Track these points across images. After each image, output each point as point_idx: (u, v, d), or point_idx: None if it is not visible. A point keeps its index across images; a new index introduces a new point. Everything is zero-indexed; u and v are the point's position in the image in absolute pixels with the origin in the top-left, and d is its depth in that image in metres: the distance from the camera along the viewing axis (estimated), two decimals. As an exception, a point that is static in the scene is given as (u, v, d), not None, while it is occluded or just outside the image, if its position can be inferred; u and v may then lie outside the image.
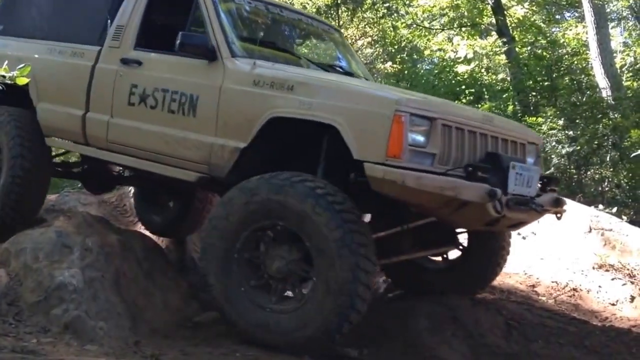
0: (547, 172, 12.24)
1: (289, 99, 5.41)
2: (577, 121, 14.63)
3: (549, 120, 14.55)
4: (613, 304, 7.86)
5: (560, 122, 14.56)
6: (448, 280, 6.81)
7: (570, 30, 19.75)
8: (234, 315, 5.37)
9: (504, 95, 17.09)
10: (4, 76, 4.89)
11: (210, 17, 6.06)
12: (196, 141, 5.86)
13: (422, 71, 22.57)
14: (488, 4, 19.65)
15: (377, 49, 23.80)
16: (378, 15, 23.61)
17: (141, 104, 6.24)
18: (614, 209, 11.75)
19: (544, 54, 17.25)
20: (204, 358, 5.19)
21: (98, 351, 5.09)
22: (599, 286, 8.12)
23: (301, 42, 7.53)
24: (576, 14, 23.39)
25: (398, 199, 5.23)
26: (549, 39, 18.62)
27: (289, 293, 5.39)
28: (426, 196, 5.01)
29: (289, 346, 5.19)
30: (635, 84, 17.21)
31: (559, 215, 6.13)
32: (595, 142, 14.19)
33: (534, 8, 22.22)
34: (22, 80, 4.85)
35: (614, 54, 17.77)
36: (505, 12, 19.72)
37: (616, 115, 14.23)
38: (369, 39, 23.36)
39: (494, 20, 19.71)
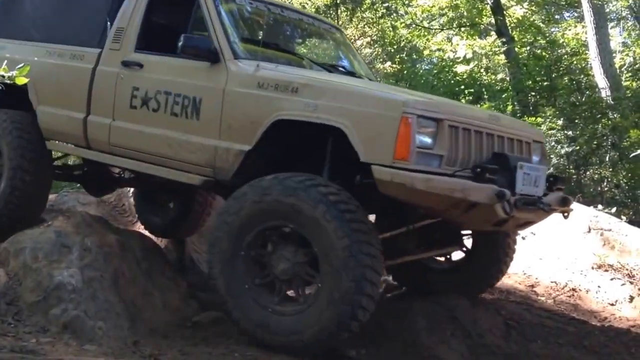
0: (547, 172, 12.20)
1: (294, 101, 5.36)
2: (577, 121, 14.63)
3: (548, 120, 14.54)
4: (612, 304, 7.86)
5: (560, 122, 14.56)
6: (452, 280, 6.81)
7: (570, 30, 19.74)
8: (236, 311, 5.37)
9: (503, 95, 17.08)
10: (2, 76, 4.88)
11: (212, 19, 6.02)
12: (200, 144, 5.82)
13: (421, 71, 22.57)
14: (487, 4, 19.65)
15: (376, 48, 23.82)
16: (377, 15, 23.64)
17: (143, 107, 6.19)
18: (613, 209, 11.75)
19: (543, 54, 17.24)
20: (202, 358, 5.19)
21: (97, 351, 5.09)
22: (598, 286, 8.12)
23: (303, 42, 7.51)
24: (575, 14, 23.38)
25: (406, 201, 5.21)
26: (548, 39, 18.61)
27: (291, 292, 5.38)
28: (435, 198, 4.98)
29: (286, 348, 5.20)
30: (634, 84, 17.20)
31: (566, 214, 6.11)
32: (595, 142, 14.18)
33: (533, 8, 22.22)
34: (21, 80, 4.84)
35: (613, 54, 17.76)
36: (505, 12, 19.72)
37: (615, 115, 14.22)
38: (368, 38, 23.39)
39: (493, 20, 19.70)
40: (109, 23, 6.70)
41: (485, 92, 17.93)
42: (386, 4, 23.29)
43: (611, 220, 9.30)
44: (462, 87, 17.76)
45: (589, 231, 8.93)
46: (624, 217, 10.99)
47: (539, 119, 14.64)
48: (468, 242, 6.83)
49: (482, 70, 19.98)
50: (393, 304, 6.81)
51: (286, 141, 5.58)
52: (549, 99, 16.13)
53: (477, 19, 21.04)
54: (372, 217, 5.79)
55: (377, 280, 5.03)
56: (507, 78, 19.43)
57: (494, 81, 20.01)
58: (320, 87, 5.45)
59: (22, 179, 6.85)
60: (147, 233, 8.27)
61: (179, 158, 5.97)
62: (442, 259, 7.02)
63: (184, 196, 8.28)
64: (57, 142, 7.05)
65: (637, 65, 18.19)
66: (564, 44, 18.47)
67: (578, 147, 14.01)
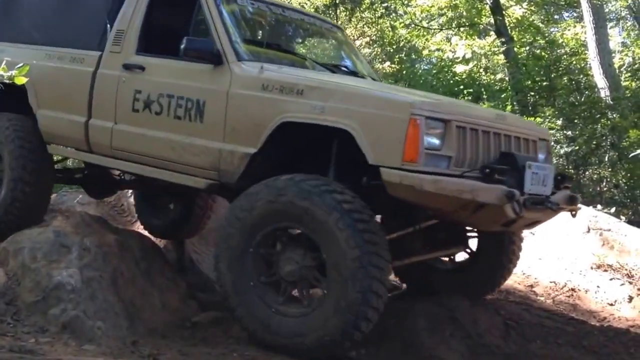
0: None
1: (300, 103, 5.32)
2: (576, 121, 14.64)
3: (547, 120, 14.54)
4: (611, 304, 7.87)
5: (559, 122, 14.57)
6: (458, 281, 6.79)
7: (569, 30, 19.73)
8: (239, 307, 5.36)
9: (503, 95, 17.07)
10: (2, 76, 4.88)
11: (214, 20, 5.97)
12: (204, 147, 5.78)
13: (420, 71, 22.55)
14: (486, 4, 19.65)
15: (376, 48, 23.83)
16: (376, 15, 23.63)
17: (146, 110, 6.14)
18: (613, 209, 11.77)
19: (543, 54, 17.23)
20: (202, 358, 5.19)
21: (96, 351, 5.09)
22: (597, 286, 8.12)
23: (304, 42, 7.47)
24: (575, 14, 23.38)
25: (415, 203, 5.18)
26: (547, 39, 18.60)
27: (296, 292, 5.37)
28: (444, 200, 4.96)
29: (287, 350, 5.19)
30: (633, 84, 17.21)
31: (573, 212, 6.10)
32: (594, 142, 14.19)
33: (532, 8, 22.24)
34: (20, 80, 4.84)
35: (613, 54, 17.78)
36: (504, 12, 19.72)
37: (615, 115, 14.23)
38: (367, 38, 23.40)
39: (492, 20, 19.71)
40: (108, 25, 6.64)
41: (484, 92, 17.92)
42: (385, 4, 23.28)
43: (610, 220, 9.31)
44: (461, 87, 17.75)
45: (588, 231, 8.93)
46: (623, 217, 11.01)
47: (538, 119, 14.63)
48: (473, 243, 6.81)
49: (481, 70, 19.97)
50: (393, 304, 6.77)
51: (291, 143, 5.54)
52: (548, 99, 16.14)
53: (476, 19, 21.05)
54: (377, 218, 5.76)
55: (383, 293, 5.00)
56: (507, 78, 19.43)
57: (493, 81, 20.00)
58: (327, 89, 5.39)
59: (22, 190, 6.81)
60: (146, 233, 8.27)
61: (183, 161, 5.93)
62: (447, 259, 6.99)
63: (185, 198, 8.24)
64: (58, 146, 7.01)
65: (636, 65, 18.21)
66: (563, 44, 18.47)
67: (577, 147, 14.02)
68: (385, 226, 5.39)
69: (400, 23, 23.11)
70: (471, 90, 17.41)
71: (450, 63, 19.21)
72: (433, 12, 21.83)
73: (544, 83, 16.20)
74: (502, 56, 19.13)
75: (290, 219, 5.16)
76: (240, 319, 5.38)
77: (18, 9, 7.62)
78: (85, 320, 5.39)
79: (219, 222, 8.58)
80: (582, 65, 17.29)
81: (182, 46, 5.70)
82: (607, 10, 21.94)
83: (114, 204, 9.85)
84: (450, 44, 20.01)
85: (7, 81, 4.99)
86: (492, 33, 20.04)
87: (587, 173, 14.79)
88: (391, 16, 24.07)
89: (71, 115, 6.70)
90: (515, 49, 18.38)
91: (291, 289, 5.32)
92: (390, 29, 23.70)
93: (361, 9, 23.35)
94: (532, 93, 16.71)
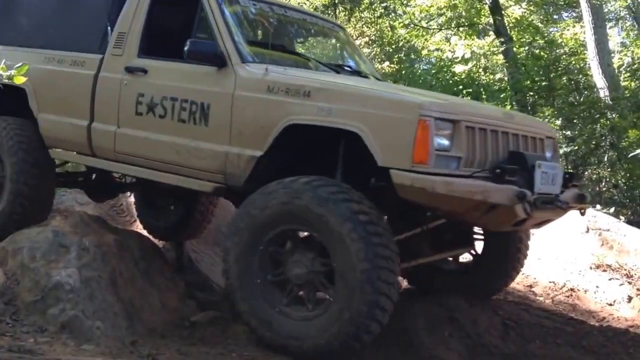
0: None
1: (307, 105, 5.27)
2: (575, 121, 14.64)
3: (546, 120, 14.53)
4: (610, 304, 7.87)
5: (558, 122, 14.57)
6: (464, 282, 6.78)
7: (568, 30, 19.71)
8: (243, 302, 5.34)
9: (502, 95, 17.06)
10: (0, 75, 4.87)
11: (217, 22, 5.92)
12: (210, 150, 5.73)
13: (419, 71, 22.54)
14: (486, 3, 19.64)
15: (375, 48, 23.81)
16: (375, 15, 23.64)
17: (149, 113, 6.09)
18: (612, 209, 11.78)
19: (542, 53, 17.22)
20: (200, 358, 5.19)
21: (95, 351, 5.09)
22: (597, 286, 8.13)
23: (307, 42, 7.44)
24: (574, 14, 23.37)
25: (426, 205, 5.17)
26: (546, 39, 18.59)
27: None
28: (455, 201, 4.93)
29: (285, 350, 5.20)
30: (632, 84, 17.20)
31: (582, 211, 6.07)
32: (593, 142, 14.18)
33: (531, 8, 22.22)
34: (19, 80, 4.84)
35: (612, 54, 17.78)
36: (503, 12, 19.71)
37: (614, 116, 14.22)
38: (367, 38, 23.38)
39: (491, 20, 19.70)
40: (109, 28, 6.58)
41: (483, 92, 17.90)
42: (384, 4, 23.30)
43: (609, 220, 9.31)
44: (461, 87, 17.75)
45: (588, 231, 8.94)
46: (622, 217, 11.02)
47: (538, 119, 14.62)
48: (479, 243, 6.81)
49: (480, 70, 19.95)
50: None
51: (298, 145, 5.51)
52: (548, 99, 16.13)
53: (475, 19, 21.04)
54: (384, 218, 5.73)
55: (389, 308, 4.98)
56: (506, 78, 19.41)
57: (492, 81, 19.98)
58: (334, 90, 5.35)
59: (24, 195, 6.75)
60: (145, 233, 8.26)
61: (188, 165, 5.88)
62: (451, 260, 6.98)
63: (186, 200, 8.20)
64: (60, 150, 6.94)
65: (635, 65, 18.20)
66: (563, 44, 18.46)
67: (576, 147, 14.01)
68: (392, 227, 5.31)
69: (399, 23, 23.11)
70: (470, 90, 17.40)
71: (449, 63, 19.20)
72: (432, 12, 21.82)
73: (543, 83, 16.19)
74: (501, 56, 19.12)
75: (303, 222, 5.12)
76: (242, 314, 5.37)
77: (16, 12, 7.55)
78: (84, 320, 5.39)
79: (217, 223, 8.62)
80: (582, 65, 17.29)
81: (186, 49, 5.63)
82: (606, 10, 21.97)
83: (113, 204, 9.83)
84: (450, 43, 20.00)
85: (6, 80, 4.98)
86: (491, 33, 20.03)
87: (586, 173, 14.77)
88: (390, 16, 24.08)
89: (73, 119, 6.65)
90: (515, 49, 18.36)
91: (297, 291, 5.28)
92: (389, 28, 23.69)
93: (360, 8, 23.37)
94: (531, 93, 16.70)
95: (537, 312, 7.08)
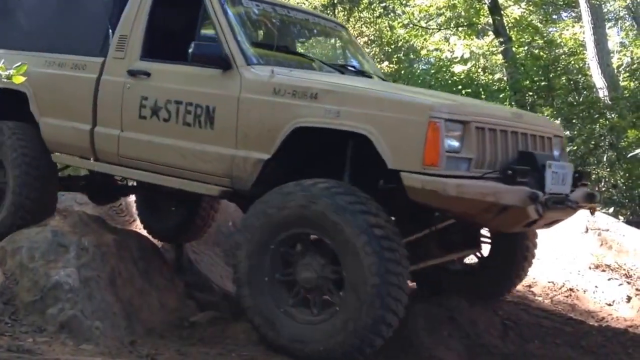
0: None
1: (314, 107, 5.23)
2: (574, 121, 14.64)
3: (545, 120, 14.53)
4: (609, 304, 7.87)
5: (557, 122, 14.55)
6: (470, 283, 6.76)
7: (567, 30, 19.73)
8: (249, 298, 5.30)
9: (501, 95, 17.05)
10: (-1, 74, 4.87)
11: (221, 24, 5.85)
12: (216, 154, 5.67)
13: (418, 71, 22.53)
14: (485, 3, 19.64)
15: (374, 48, 23.78)
16: (374, 14, 23.63)
17: (153, 117, 6.03)
18: (611, 209, 11.78)
19: (541, 53, 17.24)
20: (200, 358, 5.19)
21: (94, 351, 5.10)
22: (596, 286, 8.12)
23: (310, 42, 7.39)
24: (573, 14, 23.39)
25: (437, 207, 5.16)
26: (545, 39, 18.62)
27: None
28: (467, 203, 4.90)
29: (284, 351, 5.19)
30: (632, 84, 17.21)
31: (592, 210, 6.06)
32: (592, 142, 14.19)
33: (531, 8, 22.22)
34: (18, 79, 4.83)
35: (611, 54, 17.79)
36: (502, 12, 19.71)
37: (613, 116, 14.23)
38: (366, 38, 23.37)
39: (490, 20, 19.70)
40: (110, 30, 6.52)
41: (482, 92, 17.89)
42: (383, 4, 23.28)
43: (609, 220, 9.31)
44: (460, 87, 17.75)
45: (587, 231, 8.93)
46: (621, 217, 11.03)
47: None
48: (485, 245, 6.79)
49: (479, 70, 19.95)
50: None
51: (304, 148, 5.45)
52: (547, 99, 16.14)
53: (474, 19, 21.04)
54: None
55: (395, 324, 4.97)
56: (505, 78, 19.41)
57: (491, 81, 19.97)
58: (342, 92, 5.28)
59: (27, 199, 6.70)
60: (144, 233, 8.25)
61: (194, 168, 5.83)
62: (456, 260, 6.94)
63: (188, 203, 8.15)
64: (63, 154, 6.88)
65: (634, 65, 18.21)
66: (562, 44, 18.48)
67: (575, 147, 14.01)
68: (400, 229, 5.23)
69: (398, 23, 23.11)
70: (469, 90, 17.40)
71: (448, 63, 19.19)
72: (431, 12, 21.82)
73: (543, 83, 16.20)
74: (500, 56, 19.12)
75: (318, 228, 5.06)
76: (247, 309, 5.34)
77: (14, 15, 7.45)
78: (83, 320, 5.40)
79: (217, 224, 8.61)
80: (581, 65, 17.30)
81: (190, 51, 5.60)
82: (605, 10, 21.99)
83: (112, 204, 9.82)
84: (449, 43, 19.99)
85: (6, 80, 4.97)
86: (490, 33, 20.03)
87: (585, 173, 14.76)
88: (389, 16, 24.07)
89: (75, 123, 6.58)
90: (514, 48, 18.36)
91: (304, 293, 5.24)
92: (388, 28, 23.68)
93: (359, 8, 23.35)
94: (531, 93, 16.70)
95: (536, 312, 7.08)
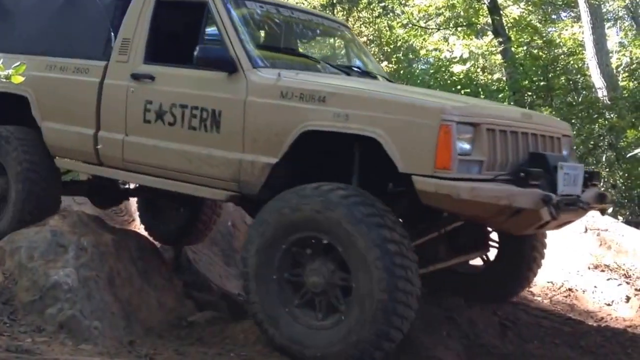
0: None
1: (322, 111, 5.16)
2: (573, 121, 14.62)
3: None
4: (608, 304, 7.87)
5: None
6: (480, 285, 6.73)
7: (566, 30, 19.72)
8: (254, 294, 5.26)
9: (500, 95, 17.03)
10: (-1, 74, 4.87)
11: (226, 27, 5.80)
12: (223, 158, 5.62)
13: (417, 71, 22.52)
14: (484, 3, 19.65)
15: (373, 48, 23.78)
16: (374, 14, 23.63)
17: (158, 121, 5.97)
18: (610, 209, 11.74)
19: (540, 53, 17.21)
20: (198, 358, 5.19)
21: (92, 350, 5.10)
22: (595, 286, 8.13)
23: (314, 43, 7.33)
24: (572, 14, 23.39)
25: (450, 211, 5.12)
26: (545, 38, 18.60)
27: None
28: (480, 207, 4.85)
29: (284, 351, 5.17)
30: (631, 84, 17.21)
31: (603, 211, 6.04)
32: (591, 142, 14.20)
33: (530, 8, 22.23)
34: (17, 79, 4.83)
35: (610, 54, 17.77)
36: (501, 12, 19.72)
37: (612, 116, 14.23)
38: (365, 38, 23.37)
39: (489, 20, 19.71)
40: (112, 34, 6.46)
41: (481, 92, 17.89)
42: (383, 4, 23.28)
43: (608, 220, 9.30)
44: (459, 87, 17.75)
45: (586, 231, 8.93)
46: (620, 218, 11.04)
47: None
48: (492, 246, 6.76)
49: (478, 70, 19.95)
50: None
51: (312, 151, 5.38)
52: (546, 99, 16.13)
53: (473, 19, 21.04)
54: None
55: (397, 340, 4.92)
56: (504, 78, 19.40)
57: (490, 81, 19.97)
58: (350, 95, 5.24)
59: (30, 204, 6.66)
60: (143, 233, 8.25)
61: (200, 173, 5.78)
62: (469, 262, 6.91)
63: (190, 207, 8.13)
64: (66, 159, 6.81)
65: (633, 66, 18.20)
66: (561, 44, 18.46)
67: (574, 147, 13.99)
68: (408, 232, 5.15)
69: (397, 23, 23.10)
70: (468, 90, 17.40)
71: (447, 63, 19.19)
72: (430, 12, 21.82)
73: (542, 83, 16.19)
74: (499, 56, 19.11)
75: (331, 235, 4.97)
76: (252, 305, 5.30)
77: (14, 18, 7.38)
78: (82, 320, 5.39)
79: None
80: (580, 65, 17.30)
81: (196, 54, 5.56)
82: (604, 10, 21.99)
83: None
84: (448, 43, 19.99)
85: (5, 81, 4.97)
86: (489, 33, 20.04)
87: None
88: (388, 16, 24.07)
89: (78, 127, 6.52)
90: (513, 48, 18.35)
91: (310, 296, 5.18)
92: (387, 28, 23.69)
93: (358, 8, 23.35)
94: (530, 93, 16.69)
95: (535, 312, 7.08)
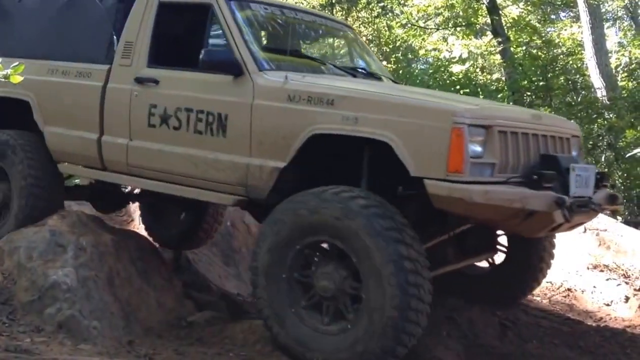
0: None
1: (330, 114, 5.11)
2: (572, 121, 14.62)
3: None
4: (607, 304, 7.87)
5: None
6: (487, 287, 6.69)
7: (566, 30, 19.74)
8: (263, 290, 5.22)
9: (499, 95, 17.03)
10: (-3, 74, 4.86)
11: (231, 29, 5.74)
12: (229, 162, 5.56)
13: (416, 71, 22.53)
14: (483, 3, 19.65)
15: (372, 48, 23.78)
16: (373, 14, 23.64)
17: (163, 125, 5.92)
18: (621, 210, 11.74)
19: (539, 53, 17.22)
20: (197, 358, 5.19)
21: (92, 350, 5.10)
22: (594, 286, 8.13)
23: (319, 44, 7.29)
24: (571, 14, 23.42)
25: (463, 214, 5.08)
26: (544, 38, 18.60)
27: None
28: (493, 210, 4.80)
29: (286, 351, 5.15)
30: (630, 84, 17.23)
31: (615, 212, 5.99)
32: (590, 142, 14.18)
33: (529, 8, 22.24)
34: (15, 79, 4.82)
35: (609, 54, 17.78)
36: (501, 12, 19.73)
37: (611, 116, 14.24)
38: (364, 38, 23.36)
39: (489, 20, 19.71)
40: (115, 37, 6.40)
41: (480, 92, 17.90)
42: (382, 4, 23.28)
43: (607, 220, 9.30)
44: (458, 87, 17.75)
45: (585, 231, 8.92)
46: (619, 218, 11.01)
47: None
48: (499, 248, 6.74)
49: (477, 70, 19.96)
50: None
51: (320, 154, 5.33)
52: (545, 99, 16.13)
53: (472, 19, 21.04)
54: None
55: (402, 356, 4.88)
56: (503, 78, 19.42)
57: (489, 81, 19.98)
58: (360, 98, 5.18)
59: (33, 208, 6.62)
60: (142, 232, 8.24)
61: (207, 177, 5.72)
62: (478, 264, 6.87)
63: (192, 212, 8.10)
64: (70, 165, 6.76)
65: (632, 66, 18.21)
66: (560, 44, 18.47)
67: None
68: (419, 235, 5.09)
69: (396, 23, 23.10)
70: (468, 90, 17.40)
71: (446, 63, 19.19)
72: (430, 11, 21.82)
73: (541, 83, 16.19)
74: (498, 56, 19.11)
75: (347, 243, 4.90)
76: (259, 300, 5.27)
77: (14, 21, 7.31)
78: (81, 320, 5.39)
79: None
80: (579, 65, 17.31)
81: (201, 57, 5.50)
82: (603, 10, 21.99)
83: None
84: (447, 43, 19.99)
85: (5, 82, 4.96)
86: (488, 33, 20.02)
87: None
88: (387, 16, 24.07)
89: (81, 132, 6.47)
90: (512, 48, 18.36)
91: (318, 299, 5.14)
92: (386, 28, 23.69)
93: (357, 8, 23.35)
94: (529, 93, 16.70)
95: (534, 312, 7.08)
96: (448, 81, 18.02)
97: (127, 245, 6.40)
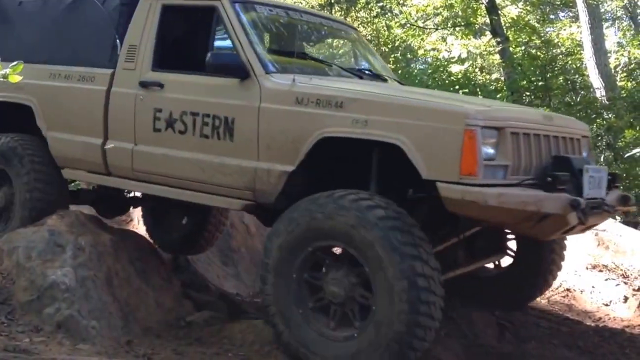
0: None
1: (340, 117, 5.05)
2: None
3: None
4: (606, 305, 7.87)
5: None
6: (496, 289, 6.67)
7: (565, 30, 19.76)
8: (271, 287, 5.18)
9: (498, 95, 16.98)
10: (-3, 75, 4.85)
11: (237, 32, 5.68)
12: (237, 167, 5.50)
13: (415, 71, 22.52)
14: (482, 3, 19.64)
15: (372, 48, 23.80)
16: (372, 14, 23.62)
17: (168, 129, 5.86)
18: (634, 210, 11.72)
19: (538, 53, 17.20)
20: (196, 358, 5.20)
21: (90, 350, 5.10)
22: (593, 286, 8.12)
23: (324, 46, 7.24)
24: (570, 14, 23.43)
25: (476, 218, 5.03)
26: (543, 38, 18.61)
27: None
28: (507, 213, 4.73)
29: (286, 349, 5.14)
30: (629, 84, 17.23)
31: (628, 213, 5.97)
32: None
33: (528, 8, 22.24)
34: (14, 79, 4.82)
35: (608, 54, 17.78)
36: (500, 12, 19.72)
37: (610, 116, 14.24)
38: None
39: (488, 20, 19.71)
40: (118, 41, 6.34)
41: (479, 92, 17.88)
42: (380, 4, 23.28)
43: (606, 220, 9.29)
44: (457, 87, 17.73)
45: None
46: (618, 218, 11.00)
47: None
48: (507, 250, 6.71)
49: (476, 70, 19.95)
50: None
51: (329, 157, 5.27)
52: (544, 99, 16.12)
53: (471, 19, 21.03)
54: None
55: None
56: (502, 78, 19.42)
57: (488, 81, 19.96)
58: (369, 100, 5.10)
59: (38, 213, 6.59)
60: (142, 232, 8.24)
61: (214, 182, 5.66)
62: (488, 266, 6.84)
63: (195, 218, 8.07)
64: (74, 170, 6.70)
65: (632, 66, 18.21)
66: (559, 43, 18.49)
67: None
68: (429, 238, 5.02)
69: (395, 23, 23.09)
70: (467, 90, 17.39)
71: (445, 63, 19.18)
72: (428, 11, 21.81)
73: (540, 83, 16.17)
74: (497, 56, 19.11)
75: (360, 253, 4.83)
76: (266, 297, 5.22)
77: (15, 25, 7.24)
78: (80, 320, 5.39)
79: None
80: (578, 65, 17.31)
81: (207, 60, 5.45)
82: (602, 10, 22.01)
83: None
84: (446, 43, 19.98)
85: (3, 78, 4.96)
86: (487, 33, 20.01)
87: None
88: (386, 16, 24.07)
89: (85, 137, 6.41)
90: (511, 48, 18.36)
91: (327, 302, 5.09)
92: (385, 28, 23.69)
93: (356, 8, 23.34)
94: (528, 93, 16.69)
95: (533, 312, 7.08)
96: (447, 81, 18.01)
97: (125, 245, 6.39)
